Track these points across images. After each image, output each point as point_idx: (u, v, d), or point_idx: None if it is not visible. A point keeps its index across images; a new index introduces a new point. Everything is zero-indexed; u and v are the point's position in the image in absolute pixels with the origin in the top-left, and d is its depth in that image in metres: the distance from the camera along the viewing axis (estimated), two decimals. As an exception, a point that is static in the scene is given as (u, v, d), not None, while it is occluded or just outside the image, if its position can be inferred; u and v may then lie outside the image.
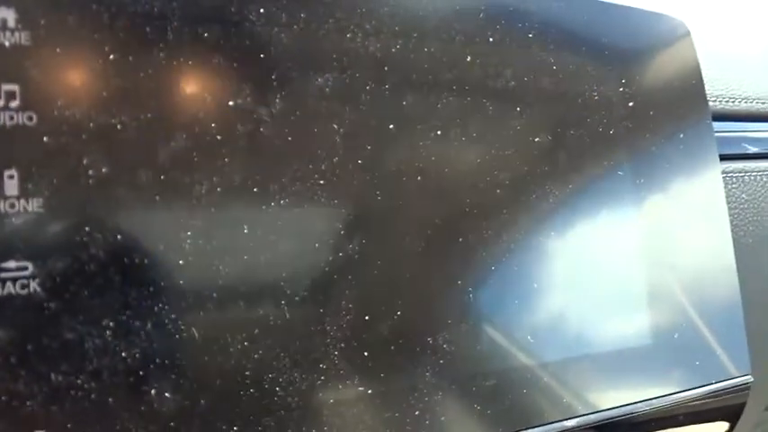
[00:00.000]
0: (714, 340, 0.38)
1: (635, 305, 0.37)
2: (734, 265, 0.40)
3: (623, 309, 0.36)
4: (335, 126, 0.29)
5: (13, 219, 0.23)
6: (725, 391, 0.39)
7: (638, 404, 0.36)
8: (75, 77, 0.25)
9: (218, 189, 0.27)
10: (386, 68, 0.31)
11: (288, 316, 0.27)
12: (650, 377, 0.36)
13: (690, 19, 0.43)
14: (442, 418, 0.30)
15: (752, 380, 0.40)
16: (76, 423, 0.23)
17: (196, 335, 0.26)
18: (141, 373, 0.24)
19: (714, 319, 0.39)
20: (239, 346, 0.26)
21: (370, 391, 0.29)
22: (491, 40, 0.34)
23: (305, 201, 0.28)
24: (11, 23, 0.24)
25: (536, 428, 0.32)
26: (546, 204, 0.35)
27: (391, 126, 0.31)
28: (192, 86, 0.27)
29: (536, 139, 0.35)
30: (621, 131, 0.38)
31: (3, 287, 0.23)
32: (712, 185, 0.41)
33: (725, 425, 0.46)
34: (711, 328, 0.38)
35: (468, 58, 0.34)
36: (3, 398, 0.22)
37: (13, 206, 0.23)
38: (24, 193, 0.23)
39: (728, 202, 0.45)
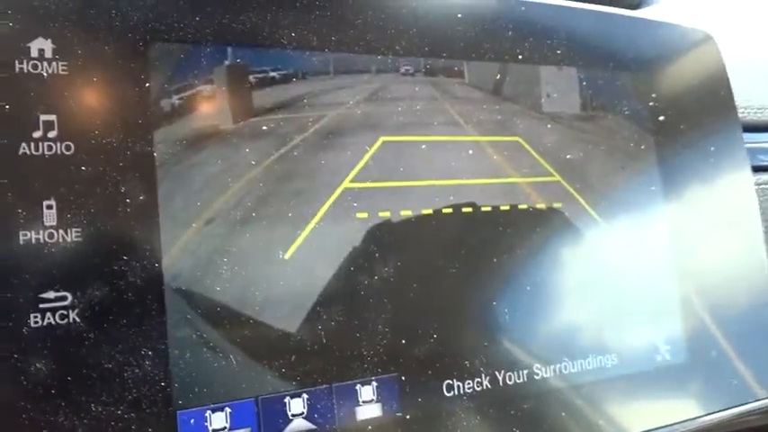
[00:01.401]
0: (749, 359, 0.38)
1: (671, 324, 0.36)
2: (769, 280, 0.40)
3: (661, 328, 0.36)
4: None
5: (52, 249, 0.23)
6: (761, 410, 0.38)
7: (675, 426, 0.35)
8: (111, 106, 0.25)
9: (253, 214, 0.27)
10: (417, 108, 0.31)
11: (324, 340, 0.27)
12: (684, 398, 0.35)
13: (717, 30, 0.43)
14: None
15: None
16: (117, 454, 0.23)
17: (234, 361, 0.25)
18: (180, 402, 0.24)
19: (748, 338, 0.38)
20: (278, 370, 0.26)
21: (408, 416, 0.28)
22: (520, 57, 0.34)
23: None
24: (48, 54, 0.24)
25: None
26: (579, 222, 0.34)
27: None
28: (228, 110, 0.27)
29: (567, 156, 0.35)
30: (652, 146, 0.37)
31: (43, 318, 0.23)
32: (745, 198, 0.40)
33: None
34: (746, 346, 0.37)
35: (498, 76, 0.34)
36: (44, 429, 0.22)
37: (51, 236, 0.23)
38: (63, 223, 0.23)
39: (762, 215, 0.44)
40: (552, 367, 0.32)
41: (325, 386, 0.27)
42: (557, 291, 0.33)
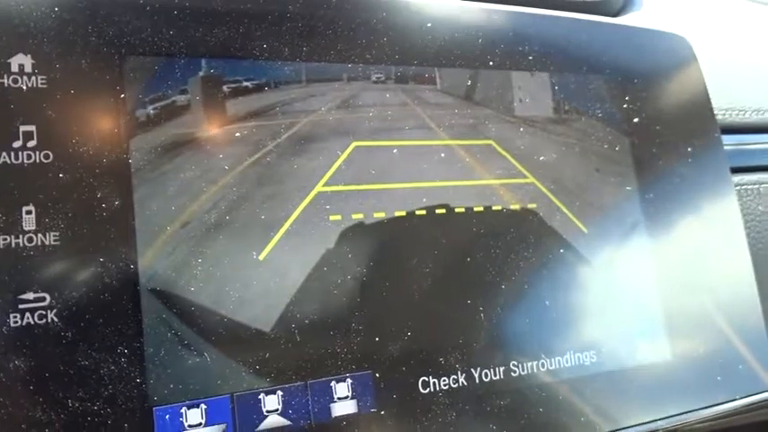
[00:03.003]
0: (734, 355, 0.38)
1: (652, 322, 0.36)
2: (752, 277, 0.40)
3: (641, 325, 0.36)
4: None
5: (31, 252, 0.24)
6: (753, 405, 0.38)
7: (662, 420, 0.35)
8: (88, 117, 0.26)
9: (228, 217, 0.28)
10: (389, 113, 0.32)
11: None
12: (674, 393, 0.36)
13: (700, 36, 0.44)
14: (457, 438, 0.30)
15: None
16: (94, 448, 0.24)
17: (209, 359, 0.26)
18: (156, 398, 0.25)
19: (736, 333, 0.38)
20: (253, 367, 0.27)
21: (383, 412, 0.29)
22: (491, 63, 0.35)
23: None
24: (28, 69, 0.26)
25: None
26: (554, 222, 0.35)
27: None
28: (202, 119, 0.28)
29: (541, 159, 0.35)
30: (627, 147, 0.38)
31: (22, 318, 0.24)
32: (725, 197, 0.41)
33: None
34: (733, 341, 0.38)
35: (469, 82, 0.35)
36: (22, 425, 0.23)
37: (30, 240, 0.24)
38: (41, 228, 0.25)
39: (744, 215, 0.45)
40: (529, 364, 0.32)
41: (299, 383, 0.28)
42: (532, 289, 0.33)
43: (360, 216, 0.30)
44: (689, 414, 0.36)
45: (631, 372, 0.35)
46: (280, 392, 0.27)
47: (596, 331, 0.35)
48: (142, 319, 0.25)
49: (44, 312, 0.24)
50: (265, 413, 0.27)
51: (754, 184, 0.46)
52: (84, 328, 0.25)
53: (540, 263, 0.34)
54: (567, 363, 0.33)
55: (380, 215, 0.31)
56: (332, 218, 0.30)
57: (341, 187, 0.30)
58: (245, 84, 0.29)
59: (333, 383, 0.28)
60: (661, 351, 0.36)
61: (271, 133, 0.29)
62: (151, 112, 0.27)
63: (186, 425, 0.26)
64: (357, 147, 0.31)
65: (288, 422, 0.27)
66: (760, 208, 0.45)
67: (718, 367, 0.37)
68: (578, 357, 0.34)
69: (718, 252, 0.40)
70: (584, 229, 0.36)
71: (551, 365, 0.33)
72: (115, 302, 0.25)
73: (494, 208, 0.33)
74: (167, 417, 0.25)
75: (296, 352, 0.28)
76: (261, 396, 0.27)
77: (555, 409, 0.32)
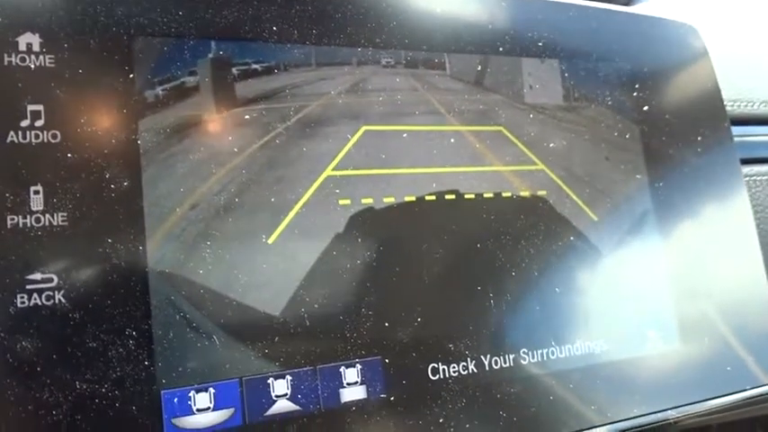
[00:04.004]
0: (745, 346, 0.37)
1: (661, 311, 0.36)
2: (762, 268, 0.39)
3: (651, 315, 0.36)
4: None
5: (39, 232, 0.24)
6: (760, 397, 0.38)
7: (671, 410, 0.35)
8: (96, 97, 0.26)
9: (237, 200, 0.27)
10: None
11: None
12: (682, 383, 0.35)
13: (710, 27, 0.43)
14: (467, 426, 0.29)
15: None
16: (100, 430, 0.23)
17: (218, 342, 0.26)
18: (164, 381, 0.25)
19: (745, 324, 0.38)
20: (262, 351, 0.27)
21: (392, 398, 0.29)
22: (501, 49, 0.35)
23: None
24: (36, 48, 0.25)
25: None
26: (564, 210, 0.35)
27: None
28: (211, 101, 0.28)
29: (551, 145, 0.35)
30: (637, 135, 0.38)
31: (29, 298, 0.23)
32: (734, 187, 0.40)
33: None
34: (741, 333, 0.37)
35: (479, 67, 0.34)
36: (29, 406, 0.23)
37: (38, 220, 0.24)
38: (49, 208, 0.24)
39: (754, 206, 0.44)
40: (539, 352, 0.32)
41: (309, 368, 0.27)
42: (542, 277, 0.33)
43: (369, 201, 0.30)
44: (698, 404, 0.35)
45: (641, 361, 0.35)
46: (289, 377, 0.27)
47: (606, 320, 0.34)
48: (150, 302, 0.25)
49: (51, 293, 0.24)
50: (274, 398, 0.27)
51: (763, 175, 0.45)
52: (91, 309, 0.24)
53: (550, 250, 0.34)
54: (577, 351, 0.33)
55: (390, 200, 0.31)
56: (341, 202, 0.29)
57: (350, 171, 0.30)
58: (255, 66, 0.29)
59: (342, 369, 0.28)
60: (670, 341, 0.36)
61: (280, 116, 0.29)
62: (160, 93, 0.27)
63: (194, 409, 0.25)
64: (367, 131, 0.31)
65: (297, 407, 0.27)
66: (769, 199, 0.45)
67: (728, 358, 0.37)
68: (588, 346, 0.33)
69: (727, 242, 0.39)
70: (594, 217, 0.35)
71: (561, 354, 0.33)
72: (123, 284, 0.25)
73: (504, 194, 0.33)
74: (175, 400, 0.25)
75: (305, 336, 0.28)
76: (270, 381, 0.27)
77: (564, 396, 0.32)
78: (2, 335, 0.23)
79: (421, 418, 0.29)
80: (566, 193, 0.35)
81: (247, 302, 0.27)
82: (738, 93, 0.48)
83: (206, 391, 0.26)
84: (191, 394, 0.25)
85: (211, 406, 0.25)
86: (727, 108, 0.44)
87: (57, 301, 0.24)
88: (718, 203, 0.40)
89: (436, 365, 0.30)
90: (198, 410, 0.25)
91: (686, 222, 0.38)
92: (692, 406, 0.35)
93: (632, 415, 0.33)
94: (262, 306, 0.27)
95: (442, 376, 0.30)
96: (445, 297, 0.31)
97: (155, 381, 0.25)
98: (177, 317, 0.25)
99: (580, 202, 0.35)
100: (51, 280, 0.24)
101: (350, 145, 0.30)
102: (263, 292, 0.27)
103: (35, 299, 0.24)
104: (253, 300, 0.27)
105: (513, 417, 0.30)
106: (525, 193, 0.34)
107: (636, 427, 0.34)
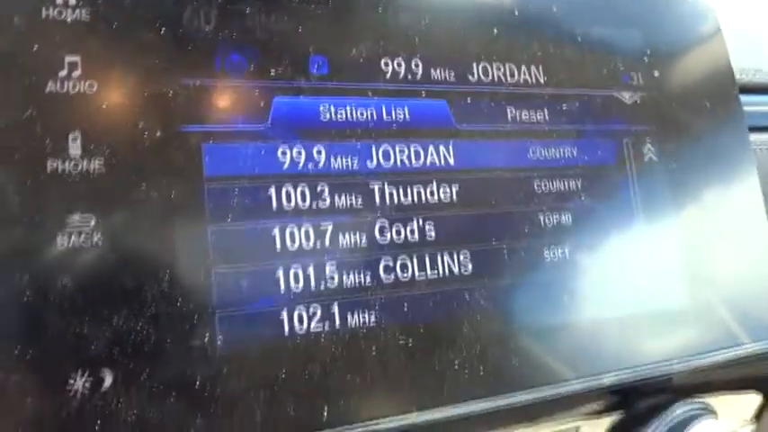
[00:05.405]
0: (746, 302, 0.39)
1: (663, 267, 0.37)
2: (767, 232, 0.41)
3: (651, 270, 0.37)
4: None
5: (77, 177, 0.25)
6: (757, 355, 0.39)
7: (665, 363, 0.36)
8: (132, 48, 0.27)
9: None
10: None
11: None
12: (679, 338, 0.37)
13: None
14: (481, 368, 0.30)
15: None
16: (137, 363, 0.25)
17: (243, 285, 0.27)
18: (195, 319, 0.26)
19: (746, 282, 0.39)
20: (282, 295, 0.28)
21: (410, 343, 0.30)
22: (517, 14, 0.36)
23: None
24: (72, 1, 0.26)
25: (570, 383, 0.32)
26: (572, 175, 0.36)
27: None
28: (234, 55, 0.29)
29: (564, 107, 0.36)
30: (647, 100, 0.39)
31: (69, 240, 0.25)
32: (741, 153, 0.41)
33: (758, 398, 0.45)
34: (743, 290, 0.39)
35: (495, 31, 0.35)
36: (70, 341, 0.24)
37: (77, 165, 0.25)
38: (87, 153, 0.26)
39: (761, 175, 0.45)
40: (551, 303, 0.33)
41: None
42: (553, 242, 0.34)
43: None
44: (696, 358, 0.37)
45: (638, 317, 0.36)
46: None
47: (614, 280, 0.36)
48: (184, 244, 0.26)
49: (90, 234, 0.25)
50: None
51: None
52: (130, 248, 0.26)
53: (557, 216, 0.35)
54: (584, 303, 0.34)
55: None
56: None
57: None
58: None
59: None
60: (673, 296, 0.37)
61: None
62: (193, 45, 0.28)
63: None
64: None
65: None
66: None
67: (726, 314, 0.38)
68: (595, 300, 0.35)
69: (734, 207, 0.40)
70: (598, 179, 0.36)
71: (571, 305, 0.34)
72: (158, 226, 0.26)
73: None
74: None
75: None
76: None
77: (571, 348, 0.33)
78: (44, 274, 0.24)
79: (437, 361, 0.30)
80: (570, 158, 0.36)
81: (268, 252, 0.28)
82: (746, 62, 0.48)
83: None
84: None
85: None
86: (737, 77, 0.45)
87: (95, 242, 0.25)
88: (725, 169, 0.41)
89: (452, 311, 0.31)
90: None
91: (691, 185, 0.39)
92: (698, 358, 0.36)
93: (641, 363, 0.34)
94: (278, 259, 0.28)
95: (458, 322, 0.31)
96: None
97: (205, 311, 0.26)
98: (208, 258, 0.27)
99: (586, 164, 0.36)
100: (89, 221, 0.25)
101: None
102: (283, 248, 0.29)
103: (74, 239, 0.25)
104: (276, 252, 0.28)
105: (524, 365, 0.32)
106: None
107: (639, 380, 0.35)
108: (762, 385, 0.44)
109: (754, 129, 0.47)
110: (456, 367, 0.30)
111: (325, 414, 0.27)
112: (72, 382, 0.24)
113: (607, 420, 0.37)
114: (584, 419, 0.37)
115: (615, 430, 0.37)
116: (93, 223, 0.25)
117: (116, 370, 0.24)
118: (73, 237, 0.25)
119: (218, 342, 0.26)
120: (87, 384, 0.24)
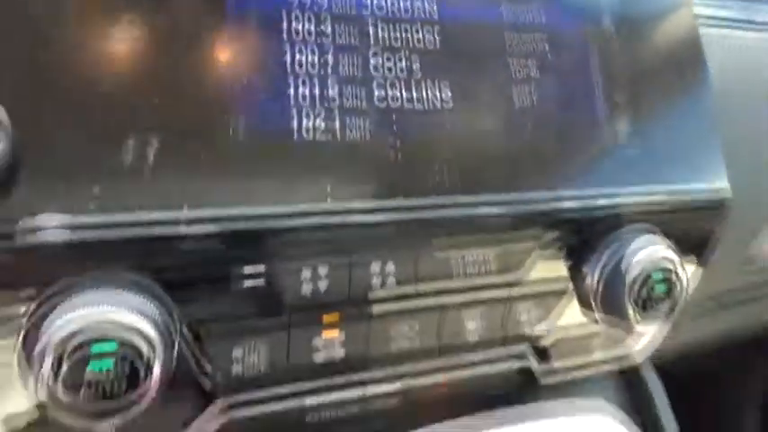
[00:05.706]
0: (689, 150, 0.45)
1: (615, 112, 0.43)
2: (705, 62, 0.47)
3: (605, 114, 0.43)
4: None
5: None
6: (702, 201, 0.45)
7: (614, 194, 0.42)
8: None
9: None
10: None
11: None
12: (627, 173, 0.42)
13: None
14: (457, 171, 0.37)
15: (730, 195, 0.46)
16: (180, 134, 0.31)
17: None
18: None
19: (690, 131, 0.45)
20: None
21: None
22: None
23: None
24: None
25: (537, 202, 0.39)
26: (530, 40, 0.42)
27: None
28: None
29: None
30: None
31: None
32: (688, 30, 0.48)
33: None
34: (687, 136, 0.45)
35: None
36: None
37: None
38: None
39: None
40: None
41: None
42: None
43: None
44: (644, 190, 0.42)
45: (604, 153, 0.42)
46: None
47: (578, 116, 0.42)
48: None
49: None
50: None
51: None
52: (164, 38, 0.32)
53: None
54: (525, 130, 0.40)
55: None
56: None
57: None
58: None
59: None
60: (618, 135, 0.43)
61: None
62: None
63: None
64: None
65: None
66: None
67: (670, 158, 0.44)
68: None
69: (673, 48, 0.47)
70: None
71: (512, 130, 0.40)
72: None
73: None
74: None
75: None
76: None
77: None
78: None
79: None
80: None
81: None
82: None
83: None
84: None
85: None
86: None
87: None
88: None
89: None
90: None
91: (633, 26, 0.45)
92: (639, 190, 0.42)
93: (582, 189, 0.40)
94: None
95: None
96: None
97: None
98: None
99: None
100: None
101: None
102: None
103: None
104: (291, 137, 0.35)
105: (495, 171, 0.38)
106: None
107: (592, 207, 0.41)
108: (700, 242, 0.49)
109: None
110: (436, 168, 0.36)
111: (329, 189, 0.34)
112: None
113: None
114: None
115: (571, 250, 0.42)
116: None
117: (162, 136, 0.31)
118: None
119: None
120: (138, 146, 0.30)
